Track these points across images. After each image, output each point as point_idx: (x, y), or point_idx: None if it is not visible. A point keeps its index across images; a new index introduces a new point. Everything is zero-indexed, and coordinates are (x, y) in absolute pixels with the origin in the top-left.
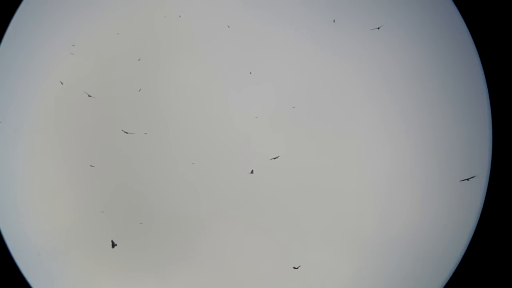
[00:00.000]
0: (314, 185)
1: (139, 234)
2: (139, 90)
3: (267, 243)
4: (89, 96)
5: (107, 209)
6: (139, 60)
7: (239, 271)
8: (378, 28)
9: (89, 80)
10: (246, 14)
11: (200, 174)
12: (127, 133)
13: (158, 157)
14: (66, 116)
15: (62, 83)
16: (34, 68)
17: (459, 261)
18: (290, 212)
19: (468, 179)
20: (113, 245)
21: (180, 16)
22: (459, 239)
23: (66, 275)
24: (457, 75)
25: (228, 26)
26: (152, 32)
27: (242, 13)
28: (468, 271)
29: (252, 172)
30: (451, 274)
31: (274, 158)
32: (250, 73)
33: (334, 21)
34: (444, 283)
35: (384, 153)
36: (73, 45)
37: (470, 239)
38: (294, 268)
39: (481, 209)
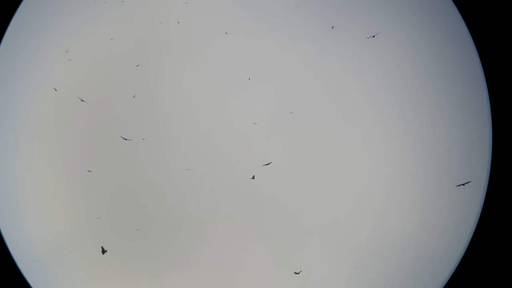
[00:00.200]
0: (312, 189)
1: (136, 240)
2: (134, 97)
3: (266, 248)
4: (82, 100)
5: (104, 215)
6: (137, 66)
7: (238, 277)
8: (373, 36)
9: (87, 85)
10: (245, 20)
11: (198, 180)
12: (126, 139)
13: (155, 163)
14: (64, 122)
15: (55, 89)
16: (34, 70)
17: (458, 262)
18: (289, 217)
19: (463, 184)
20: (103, 251)
21: (178, 22)
22: (458, 243)
23: (61, 280)
24: (456, 76)
25: (226, 33)
26: (150, 37)
27: (240, 19)
28: (467, 273)
29: (253, 177)
30: (449, 277)
31: (267, 164)
32: (249, 79)
33: (332, 27)
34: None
35: (383, 156)
36: (67, 51)
37: (469, 242)
38: (295, 273)
39: (479, 213)
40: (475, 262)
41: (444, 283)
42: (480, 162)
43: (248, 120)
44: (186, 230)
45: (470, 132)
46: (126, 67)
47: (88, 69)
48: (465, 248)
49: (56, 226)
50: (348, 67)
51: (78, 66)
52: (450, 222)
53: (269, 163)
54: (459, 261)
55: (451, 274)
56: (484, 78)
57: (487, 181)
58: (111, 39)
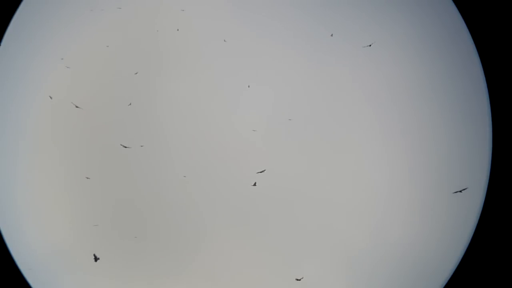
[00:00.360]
0: (311, 195)
1: (133, 248)
2: (129, 104)
3: (266, 255)
4: (77, 107)
5: (102, 222)
6: (136, 73)
7: (236, 285)
8: (370, 45)
9: (84, 92)
10: (243, 28)
11: (197, 187)
12: (126, 147)
13: (153, 170)
14: (63, 128)
15: (51, 97)
16: (31, 76)
17: (455, 267)
18: (289, 223)
19: (461, 191)
20: (96, 258)
21: (178, 30)
22: (456, 248)
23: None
24: (457, 80)
25: (224, 40)
26: (147, 45)
27: (239, 27)
28: (465, 278)
29: (255, 184)
30: (447, 281)
31: (261, 172)
32: (248, 86)
33: (332, 35)
34: None
35: (382, 163)
36: (62, 58)
37: (467, 247)
38: (297, 280)
39: (478, 219)
40: (473, 267)
41: None
42: (479, 167)
43: (247, 127)
44: (184, 237)
45: (470, 137)
46: (123, 75)
47: (85, 76)
48: (463, 253)
49: (55, 233)
50: (347, 73)
51: (75, 73)
52: (448, 227)
53: (263, 170)
54: (456, 266)
55: (448, 278)
56: (486, 86)
57: (486, 187)
58: (107, 46)
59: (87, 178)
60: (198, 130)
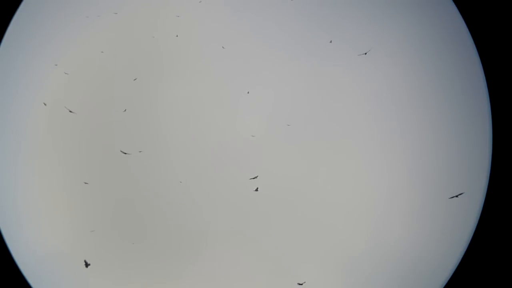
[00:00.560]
0: (310, 201)
1: (131, 254)
2: (124, 110)
3: (265, 262)
4: (70, 111)
5: (100, 227)
6: (135, 79)
7: None
8: (365, 53)
9: (81, 98)
10: (242, 34)
11: (196, 193)
12: (125, 153)
13: (151, 176)
14: (61, 134)
15: (45, 104)
16: (29, 82)
17: (452, 272)
18: (288, 229)
19: (457, 196)
20: (86, 264)
21: (177, 36)
22: (454, 254)
23: None
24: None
25: (222, 47)
26: (143, 51)
27: (238, 33)
28: (463, 283)
29: (257, 189)
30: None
31: (254, 178)
32: (248, 92)
33: (331, 41)
34: None
35: (380, 168)
36: (56, 64)
37: (465, 251)
38: (299, 284)
39: (476, 225)
40: (471, 270)
41: None
42: (479, 171)
43: (246, 132)
44: (183, 242)
45: (470, 140)
46: (121, 80)
47: (84, 81)
48: (462, 255)
49: (55, 235)
50: (346, 76)
51: (72, 78)
52: (447, 230)
53: (256, 176)
54: (455, 268)
55: (447, 280)
56: (488, 93)
57: (486, 191)
58: (102, 52)
59: (86, 183)
60: (196, 136)
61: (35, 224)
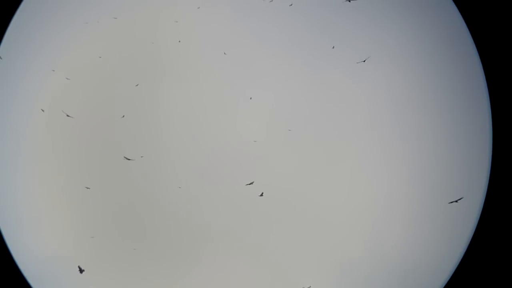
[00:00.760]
0: (308, 206)
1: (132, 260)
2: (123, 116)
3: (264, 268)
4: (68, 116)
5: (101, 233)
6: (137, 85)
7: None
8: (364, 61)
9: (83, 102)
10: (243, 40)
11: (197, 199)
12: (129, 159)
13: (153, 181)
14: (63, 139)
15: (43, 110)
16: (28, 88)
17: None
18: (287, 236)
19: (456, 201)
20: (81, 270)
21: (179, 41)
22: (451, 259)
23: None
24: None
25: (224, 53)
26: (142, 57)
27: (238, 38)
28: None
29: (262, 194)
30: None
31: (250, 184)
32: (250, 98)
33: (333, 47)
34: None
35: (380, 175)
36: (53, 70)
37: (464, 254)
38: None
39: (473, 230)
40: (470, 273)
41: None
42: (478, 176)
43: (248, 137)
44: (183, 248)
45: (469, 145)
46: (121, 85)
47: (83, 87)
48: (460, 259)
49: (54, 242)
50: (347, 82)
51: (72, 84)
52: (446, 235)
53: (251, 182)
54: (453, 271)
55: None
56: (489, 103)
57: (484, 196)
58: (100, 57)
59: (87, 188)
60: (198, 141)
61: (37, 227)
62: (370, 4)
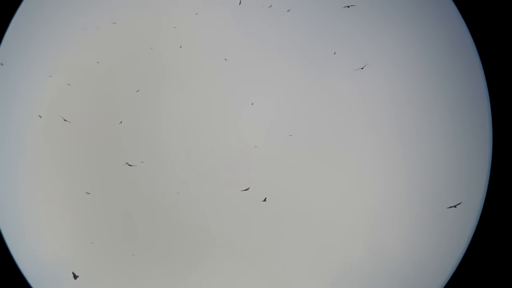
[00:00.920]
0: (307, 212)
1: (131, 266)
2: (120, 122)
3: (262, 276)
4: (65, 120)
5: (100, 239)
6: (137, 91)
7: None
8: (362, 68)
9: (82, 108)
10: (244, 46)
11: (198, 205)
12: (130, 165)
13: (151, 187)
14: (63, 146)
15: (40, 116)
16: (28, 93)
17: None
18: (285, 243)
19: (455, 206)
20: (75, 276)
21: (181, 47)
22: (448, 265)
23: None
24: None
25: (225, 59)
26: (141, 62)
27: (240, 45)
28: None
29: (265, 200)
30: None
31: (245, 190)
32: (252, 104)
33: (334, 53)
34: None
35: (379, 181)
36: (51, 76)
37: (462, 258)
38: None
39: (471, 236)
40: (467, 278)
41: None
42: (477, 181)
43: (248, 143)
44: (182, 255)
45: (469, 150)
46: (121, 91)
47: (83, 93)
48: (456, 267)
49: (54, 248)
50: (347, 88)
51: (72, 90)
52: (444, 240)
53: (247, 188)
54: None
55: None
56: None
57: (483, 202)
58: (97, 63)
59: (87, 193)
60: (198, 146)
61: (37, 232)
62: (369, 7)
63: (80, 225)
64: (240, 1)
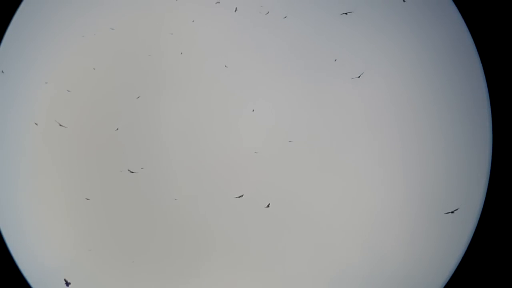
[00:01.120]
0: (306, 217)
1: (130, 273)
2: (117, 129)
3: (262, 280)
4: (60, 125)
5: (99, 244)
6: (138, 97)
7: None
8: (359, 76)
9: (82, 114)
10: (244, 52)
11: (198, 211)
12: (132, 172)
13: (150, 193)
14: (63, 151)
15: (36, 124)
16: (27, 100)
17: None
18: (284, 249)
19: (452, 212)
20: (67, 283)
21: (181, 53)
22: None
23: None
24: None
25: (225, 66)
26: (140, 69)
27: (240, 51)
28: None
29: (268, 206)
30: None
31: (239, 197)
32: (253, 110)
33: (335, 60)
34: None
35: (378, 187)
36: (46, 82)
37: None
38: None
39: (470, 240)
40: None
41: None
42: (477, 186)
43: (249, 148)
44: (182, 262)
45: (469, 149)
46: (120, 98)
47: (81, 99)
48: (453, 271)
49: (53, 252)
50: (347, 94)
51: (69, 96)
52: (442, 246)
53: (241, 195)
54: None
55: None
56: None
57: (481, 208)
58: (94, 69)
59: (87, 199)
60: (198, 152)
61: (38, 233)
62: (368, 7)
63: (80, 230)
64: (236, 8)
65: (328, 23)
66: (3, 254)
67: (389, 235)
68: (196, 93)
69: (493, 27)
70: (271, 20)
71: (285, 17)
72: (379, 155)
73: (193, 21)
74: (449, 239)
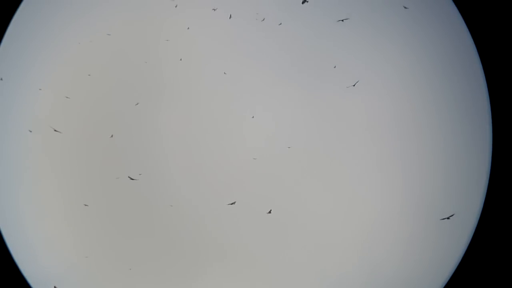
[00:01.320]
0: (304, 222)
1: (128, 280)
2: (111, 136)
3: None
4: (55, 131)
5: (96, 253)
6: (137, 104)
7: None
8: (354, 85)
9: (80, 120)
10: (244, 58)
11: (196, 219)
12: (132, 179)
13: (147, 200)
14: (62, 158)
15: (30, 131)
16: (26, 105)
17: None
18: (282, 256)
19: (448, 218)
20: None
21: (181, 59)
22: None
23: None
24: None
25: (224, 73)
26: (137, 76)
27: (239, 58)
28: None
29: (270, 212)
30: None
31: (232, 204)
32: (253, 117)
33: (335, 67)
34: None
35: (375, 194)
36: (40, 89)
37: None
38: None
39: (467, 247)
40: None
41: None
42: (476, 192)
43: (247, 155)
44: (181, 269)
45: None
46: (117, 104)
47: (79, 105)
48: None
49: (53, 255)
50: (346, 100)
51: (68, 102)
52: (439, 252)
53: (234, 202)
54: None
55: None
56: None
57: (480, 213)
58: (89, 75)
59: (85, 205)
60: (196, 159)
61: (38, 235)
62: (367, 8)
63: (77, 235)
64: (230, 15)
65: (324, 29)
66: (3, 254)
67: (388, 240)
68: (194, 99)
69: (493, 26)
70: (268, 26)
71: (280, 23)
72: (378, 161)
73: (188, 28)
74: (448, 243)
